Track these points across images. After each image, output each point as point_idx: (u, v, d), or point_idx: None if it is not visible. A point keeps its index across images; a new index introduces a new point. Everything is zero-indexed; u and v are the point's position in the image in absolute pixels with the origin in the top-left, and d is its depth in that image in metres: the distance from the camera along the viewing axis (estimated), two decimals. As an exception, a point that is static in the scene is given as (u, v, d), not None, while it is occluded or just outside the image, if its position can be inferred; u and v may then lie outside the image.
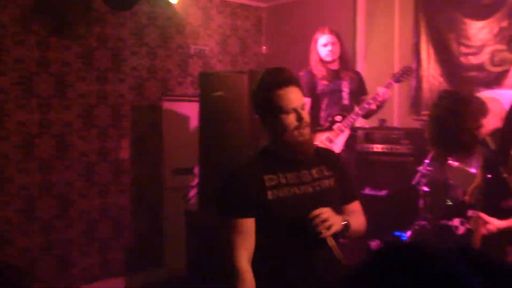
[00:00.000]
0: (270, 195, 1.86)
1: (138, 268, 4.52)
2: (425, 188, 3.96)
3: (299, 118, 1.87)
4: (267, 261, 1.87)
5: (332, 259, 1.85)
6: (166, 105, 4.74)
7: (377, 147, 4.33)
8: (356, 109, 3.99)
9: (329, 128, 3.90)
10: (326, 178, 1.98)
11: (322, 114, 3.97)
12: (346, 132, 3.93)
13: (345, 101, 4.01)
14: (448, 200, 4.07)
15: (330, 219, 1.80)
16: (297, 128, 1.88)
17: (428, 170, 3.97)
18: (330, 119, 3.95)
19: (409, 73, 4.09)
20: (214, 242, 3.74)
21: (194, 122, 4.78)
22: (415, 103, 4.84)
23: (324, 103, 3.98)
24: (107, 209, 4.33)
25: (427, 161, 3.99)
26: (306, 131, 1.90)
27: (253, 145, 3.64)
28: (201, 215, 3.78)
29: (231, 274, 1.82)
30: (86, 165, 4.20)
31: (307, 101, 3.81)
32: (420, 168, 3.96)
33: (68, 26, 4.04)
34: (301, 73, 3.96)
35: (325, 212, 1.81)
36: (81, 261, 4.19)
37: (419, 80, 4.81)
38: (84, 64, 4.16)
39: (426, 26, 4.73)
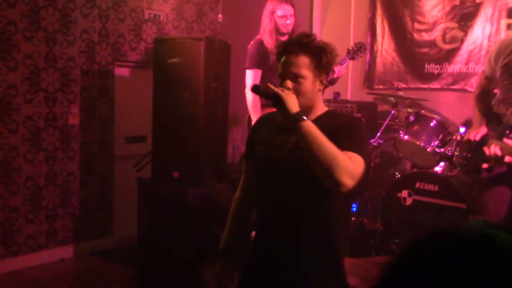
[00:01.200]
0: (259, 149, 1.99)
1: (86, 236, 4.44)
2: (376, 161, 4.06)
3: (279, 84, 1.89)
4: (256, 220, 2.06)
5: (297, 225, 1.88)
6: (118, 71, 4.60)
7: (331, 120, 4.39)
8: None
9: None
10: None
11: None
12: None
13: None
14: (397, 173, 4.18)
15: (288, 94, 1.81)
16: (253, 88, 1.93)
17: (379, 142, 4.06)
18: None
19: (363, 49, 4.14)
20: (166, 211, 3.70)
21: (147, 90, 4.67)
22: (369, 77, 4.91)
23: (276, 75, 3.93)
24: (54, 176, 4.20)
25: (378, 134, 4.08)
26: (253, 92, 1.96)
27: (208, 114, 3.60)
28: (154, 184, 3.73)
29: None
30: (32, 130, 4.04)
31: (258, 72, 3.79)
32: (372, 140, 4.04)
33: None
34: (250, 45, 3.89)
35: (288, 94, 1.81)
36: (26, 229, 4.06)
37: (373, 54, 4.87)
38: (31, 24, 3.96)
39: (382, 1, 4.78)
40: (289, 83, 1.85)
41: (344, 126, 1.86)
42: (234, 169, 3.96)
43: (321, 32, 5.00)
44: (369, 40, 4.86)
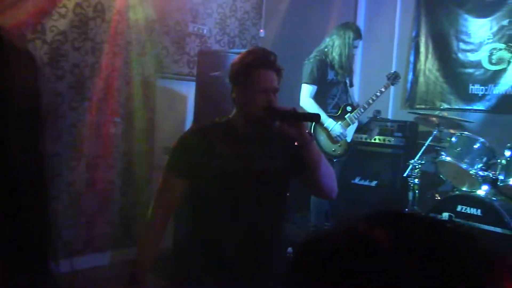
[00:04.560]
0: (214, 164, 1.92)
1: (122, 244, 4.48)
2: (416, 181, 3.98)
3: (268, 100, 1.92)
4: (200, 233, 1.99)
5: (263, 238, 1.94)
6: (161, 82, 4.68)
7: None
8: (363, 103, 4.16)
9: (341, 117, 4.08)
10: (276, 160, 2.00)
11: (329, 101, 4.11)
12: (356, 123, 4.14)
13: (350, 93, 4.25)
14: (437, 195, 4.09)
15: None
16: (263, 109, 1.93)
17: (420, 163, 3.98)
18: (340, 107, 4.12)
19: (398, 78, 4.29)
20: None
21: (188, 102, 4.73)
22: (411, 96, 4.84)
23: (333, 92, 4.11)
24: (94, 183, 4.28)
25: (419, 154, 4.00)
26: (267, 112, 1.95)
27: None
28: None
29: (144, 222, 1.99)
30: (75, 138, 4.14)
31: (313, 88, 3.98)
32: (412, 161, 3.97)
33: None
34: (312, 59, 4.07)
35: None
36: (65, 234, 4.14)
37: (416, 73, 4.81)
38: (80, 34, 4.08)
39: (427, 20, 4.73)
40: (275, 99, 1.94)
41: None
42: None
43: (364, 49, 4.97)
44: (412, 58, 4.80)
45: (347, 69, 4.08)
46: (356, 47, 4.13)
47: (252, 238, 1.93)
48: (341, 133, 4.04)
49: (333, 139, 4.06)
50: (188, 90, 4.61)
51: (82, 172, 4.20)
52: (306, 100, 3.97)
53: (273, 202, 1.99)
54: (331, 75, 4.05)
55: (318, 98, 3.99)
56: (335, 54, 4.01)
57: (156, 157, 4.67)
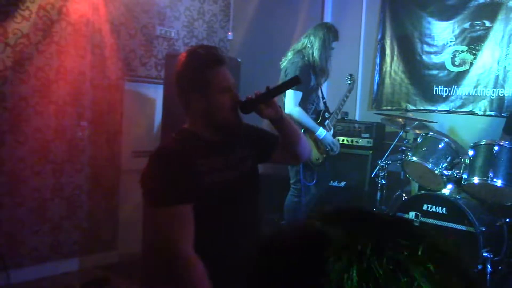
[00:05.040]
0: (205, 180, 1.78)
1: (91, 250, 4.42)
2: (383, 181, 4.04)
3: (235, 96, 1.84)
4: (206, 249, 1.74)
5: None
6: (128, 85, 4.63)
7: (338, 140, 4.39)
8: (335, 108, 4.07)
9: (321, 124, 3.91)
10: (248, 158, 1.99)
11: (310, 107, 3.94)
12: (332, 130, 4.04)
13: (323, 98, 4.12)
14: (404, 194, 4.16)
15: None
16: (233, 108, 1.84)
17: (387, 163, 4.05)
18: (319, 114, 3.98)
19: (353, 79, 4.31)
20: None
21: (156, 105, 4.70)
22: (377, 98, 4.92)
23: (312, 97, 3.95)
24: (60, 188, 4.20)
25: (386, 154, 4.07)
26: (241, 109, 1.88)
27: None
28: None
29: (177, 265, 1.68)
30: (40, 142, 4.06)
31: (299, 95, 3.74)
32: (379, 161, 4.03)
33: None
34: (296, 63, 3.82)
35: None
36: (31, 240, 4.05)
37: (382, 75, 4.89)
38: (44, 37, 4.00)
39: (391, 23, 4.82)
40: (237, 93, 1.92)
41: (258, 130, 2.13)
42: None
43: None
44: (378, 60, 4.88)
45: (327, 72, 3.90)
46: (333, 49, 3.95)
47: (253, 241, 1.88)
48: (333, 142, 3.88)
49: (320, 149, 3.87)
50: (156, 93, 4.58)
51: (48, 177, 4.12)
52: (294, 108, 3.71)
53: (257, 202, 2.00)
54: (313, 80, 3.84)
55: (300, 104, 3.76)
56: (316, 57, 3.78)
57: (124, 161, 4.62)
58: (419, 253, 0.49)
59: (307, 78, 3.76)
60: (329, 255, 0.49)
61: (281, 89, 1.95)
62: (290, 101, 3.71)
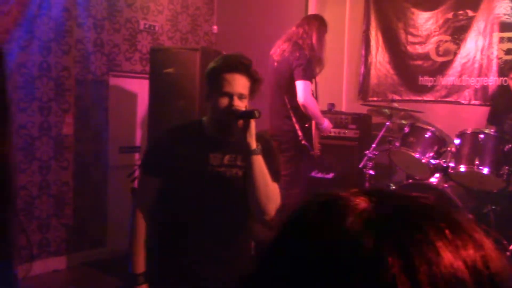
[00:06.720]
0: (181, 164, 1.96)
1: (79, 247, 4.39)
2: (371, 172, 4.07)
3: (230, 104, 1.91)
4: (169, 233, 2.04)
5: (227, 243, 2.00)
6: (113, 80, 4.59)
7: (326, 131, 4.40)
8: None
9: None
10: (236, 168, 2.01)
11: None
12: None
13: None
14: (392, 184, 4.20)
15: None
16: (226, 113, 1.91)
17: (374, 154, 4.07)
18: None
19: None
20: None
21: (141, 100, 4.66)
22: (363, 89, 4.94)
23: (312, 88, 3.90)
24: (47, 185, 4.16)
25: (373, 145, 4.09)
26: (231, 118, 1.92)
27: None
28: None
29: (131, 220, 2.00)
30: (25, 139, 4.00)
31: (309, 84, 3.67)
32: (367, 152, 4.05)
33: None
34: (307, 56, 3.72)
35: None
36: (19, 239, 4.00)
37: (367, 66, 4.91)
38: (26, 33, 3.94)
39: (376, 14, 4.83)
40: (239, 103, 1.92)
41: (270, 152, 2.03)
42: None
43: (316, 44, 5.02)
44: (363, 52, 4.90)
45: (323, 63, 3.89)
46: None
47: (219, 239, 1.97)
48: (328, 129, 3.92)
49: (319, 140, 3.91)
50: (142, 88, 4.54)
51: (34, 175, 4.08)
52: (311, 97, 3.67)
53: (237, 204, 2.01)
54: (316, 70, 3.84)
55: None
56: (315, 47, 3.75)
57: (111, 157, 4.58)
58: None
59: (315, 69, 3.76)
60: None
61: (244, 115, 1.91)
62: (306, 91, 3.63)
